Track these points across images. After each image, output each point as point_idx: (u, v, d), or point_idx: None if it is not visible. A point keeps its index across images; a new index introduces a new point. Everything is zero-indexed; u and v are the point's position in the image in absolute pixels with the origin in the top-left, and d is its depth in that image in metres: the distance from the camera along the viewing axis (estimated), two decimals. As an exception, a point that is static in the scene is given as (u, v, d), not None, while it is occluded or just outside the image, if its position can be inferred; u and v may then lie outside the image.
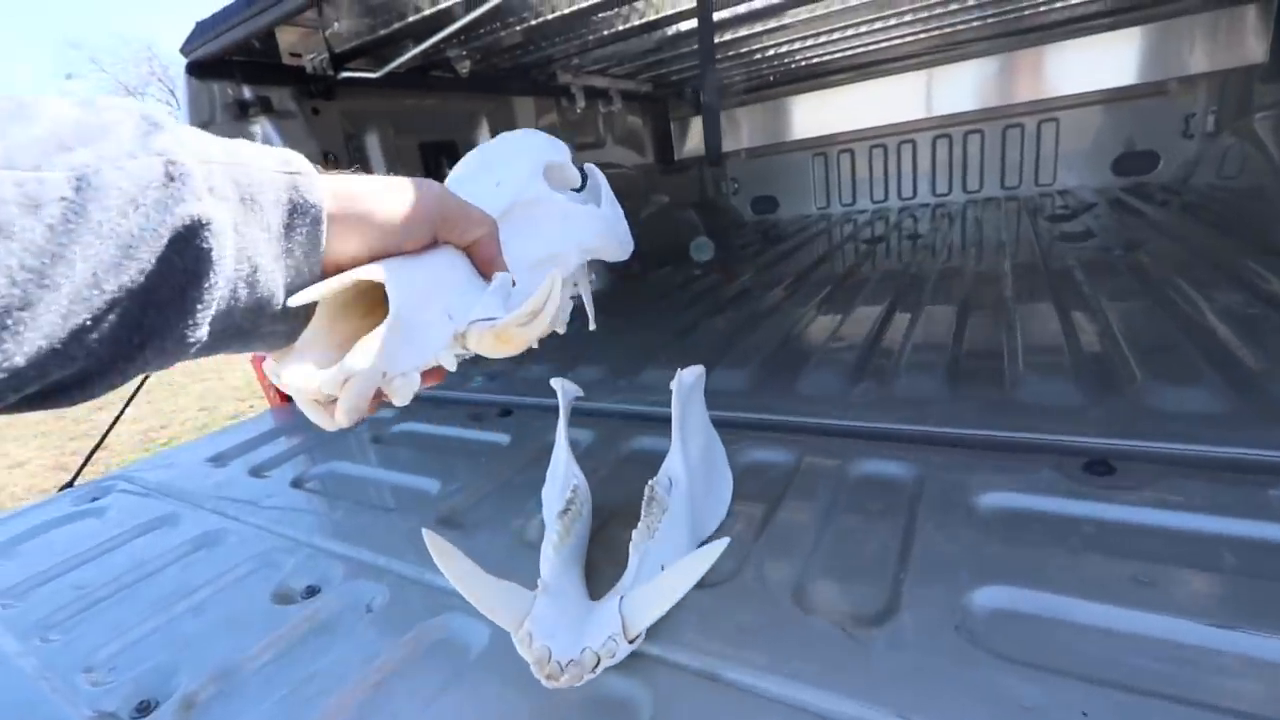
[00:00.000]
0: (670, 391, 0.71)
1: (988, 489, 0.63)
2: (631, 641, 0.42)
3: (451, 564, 0.42)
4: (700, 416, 0.72)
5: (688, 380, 0.70)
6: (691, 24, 1.78)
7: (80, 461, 1.26)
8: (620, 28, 1.73)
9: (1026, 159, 2.80)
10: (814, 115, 2.97)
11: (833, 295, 1.57)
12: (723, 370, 1.11)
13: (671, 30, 1.86)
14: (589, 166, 0.71)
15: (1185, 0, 2.19)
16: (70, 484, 1.13)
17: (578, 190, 0.68)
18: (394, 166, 1.67)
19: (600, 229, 0.62)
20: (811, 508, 0.65)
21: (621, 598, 0.43)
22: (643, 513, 0.56)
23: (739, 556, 0.59)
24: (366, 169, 1.63)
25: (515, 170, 0.57)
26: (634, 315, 1.65)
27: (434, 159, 1.80)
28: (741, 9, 1.71)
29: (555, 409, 1.09)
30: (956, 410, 0.83)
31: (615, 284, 2.07)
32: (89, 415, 5.28)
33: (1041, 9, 2.08)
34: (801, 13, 1.84)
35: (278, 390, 1.39)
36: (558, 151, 0.62)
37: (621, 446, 0.90)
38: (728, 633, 0.50)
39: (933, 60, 2.65)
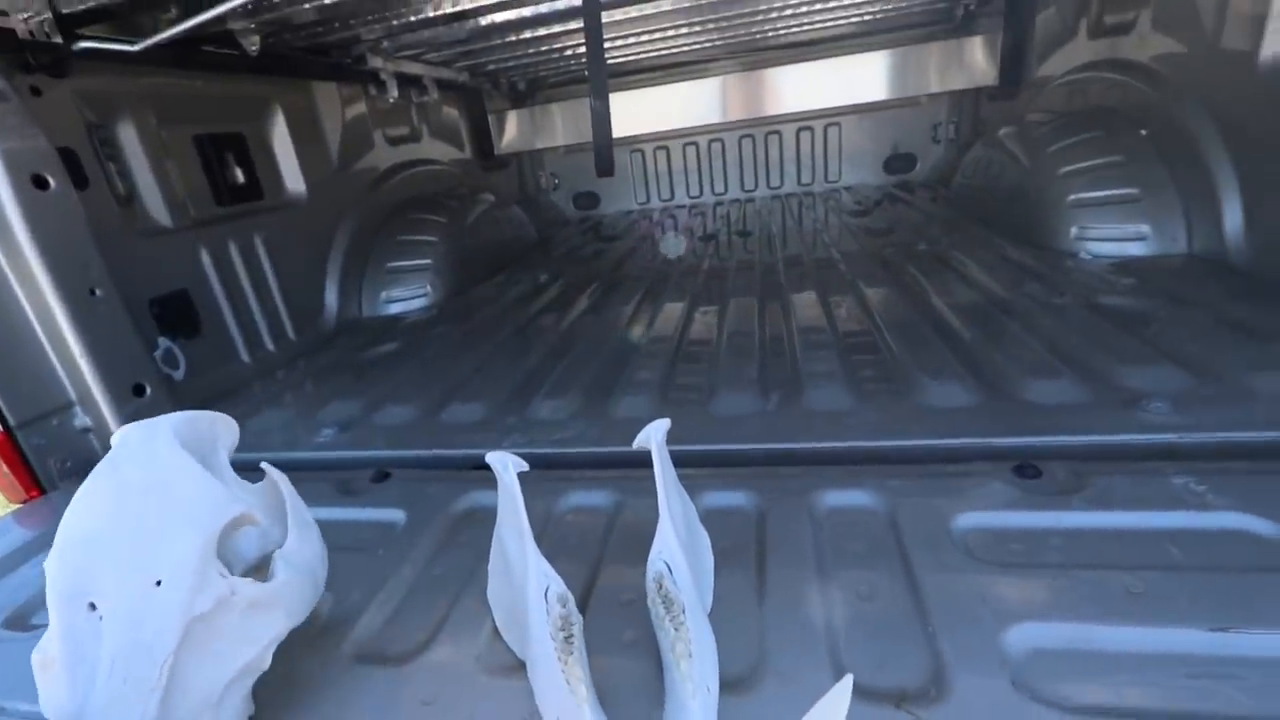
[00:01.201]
0: (642, 447, 0.62)
1: (955, 512, 0.64)
2: None
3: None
4: (673, 475, 0.64)
5: (659, 435, 0.61)
6: (504, 16, 1.67)
7: None
8: (429, 14, 1.54)
9: (817, 159, 3.13)
10: (629, 113, 3.00)
11: (703, 298, 1.56)
12: (625, 398, 1.04)
13: (485, 21, 1.71)
14: (271, 472, 0.60)
15: (927, 28, 2.62)
16: None
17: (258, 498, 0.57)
18: (161, 162, 1.31)
19: (297, 596, 0.53)
20: (798, 562, 0.61)
21: None
22: (665, 622, 0.47)
23: (756, 640, 0.53)
24: (121, 167, 1.25)
25: (180, 557, 0.45)
26: (487, 336, 1.49)
27: (215, 154, 1.45)
28: (558, 5, 1.63)
29: (445, 462, 0.93)
30: (874, 420, 0.86)
31: (448, 300, 1.86)
32: None
33: (804, 26, 2.33)
34: (616, 14, 1.82)
35: (21, 470, 1.01)
36: (233, 501, 0.50)
37: (541, 501, 0.78)
38: (789, 744, 0.43)
39: (731, 68, 2.84)
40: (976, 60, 2.59)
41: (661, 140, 3.17)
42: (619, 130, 3.27)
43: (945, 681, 0.46)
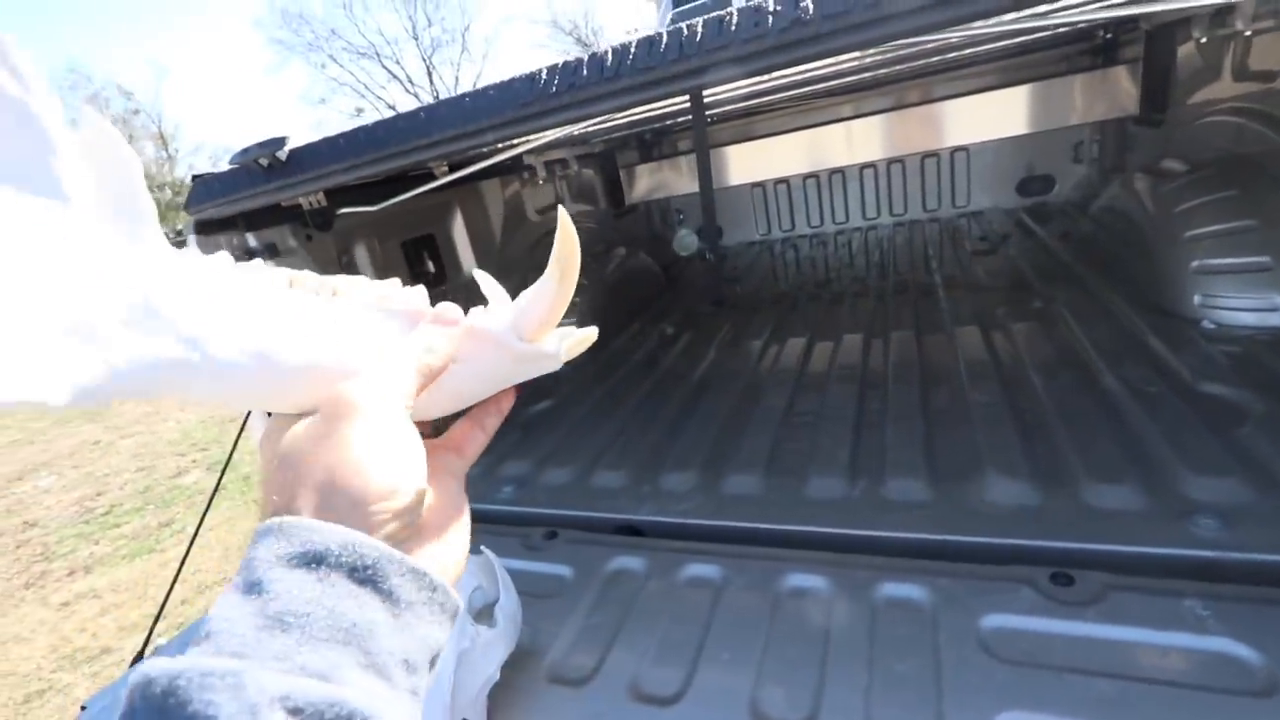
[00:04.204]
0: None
1: (987, 611, 0.82)
2: None
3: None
4: None
5: None
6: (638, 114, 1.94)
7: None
8: (575, 130, 1.85)
9: (943, 185, 3.12)
10: (752, 163, 3.20)
11: (805, 383, 1.75)
12: (734, 476, 1.27)
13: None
14: (490, 556, 0.88)
15: (1071, 62, 2.55)
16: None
17: None
18: (381, 270, 1.74)
19: (511, 635, 0.85)
20: (855, 646, 0.82)
21: None
22: None
23: (811, 703, 0.75)
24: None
25: None
26: (624, 399, 1.79)
27: (416, 254, 1.88)
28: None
29: (598, 524, 1.23)
30: (940, 514, 1.03)
31: (592, 356, 2.18)
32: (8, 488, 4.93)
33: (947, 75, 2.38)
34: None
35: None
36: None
37: (671, 575, 1.05)
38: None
39: (854, 114, 2.93)
40: (1119, 87, 2.49)
41: (782, 177, 3.32)
42: (742, 179, 3.47)
43: (943, 752, 0.67)
